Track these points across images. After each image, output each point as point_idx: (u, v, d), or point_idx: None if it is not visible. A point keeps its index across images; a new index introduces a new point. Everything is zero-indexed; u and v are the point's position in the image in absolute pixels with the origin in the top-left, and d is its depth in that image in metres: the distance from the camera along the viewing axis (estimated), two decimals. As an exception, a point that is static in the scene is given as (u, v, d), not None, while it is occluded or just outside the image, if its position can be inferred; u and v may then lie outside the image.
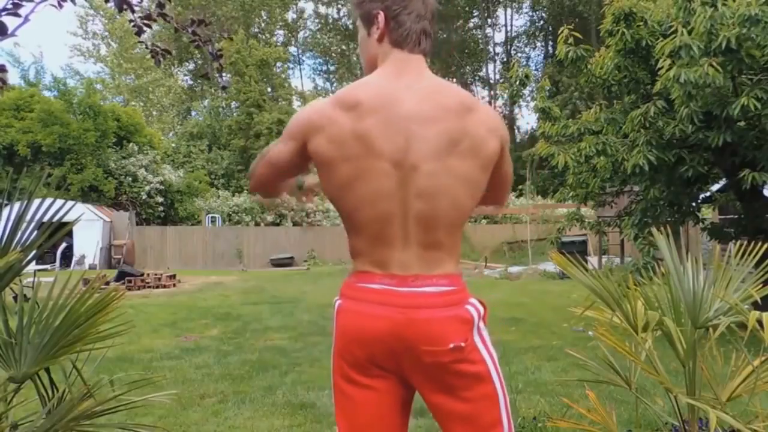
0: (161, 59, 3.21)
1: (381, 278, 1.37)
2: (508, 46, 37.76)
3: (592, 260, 13.87)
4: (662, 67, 5.45)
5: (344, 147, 1.35)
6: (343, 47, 36.93)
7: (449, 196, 1.37)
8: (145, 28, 3.10)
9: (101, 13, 32.23)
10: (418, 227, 1.36)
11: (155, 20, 3.07)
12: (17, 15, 2.54)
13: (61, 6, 2.81)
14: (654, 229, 2.35)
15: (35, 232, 1.87)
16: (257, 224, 21.55)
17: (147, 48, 3.24)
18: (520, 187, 22.96)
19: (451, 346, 1.33)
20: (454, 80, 34.90)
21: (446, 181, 1.36)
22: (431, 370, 1.36)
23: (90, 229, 17.08)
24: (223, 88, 6.42)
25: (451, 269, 1.41)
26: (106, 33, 33.48)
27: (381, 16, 1.43)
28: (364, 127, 1.34)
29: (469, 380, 1.37)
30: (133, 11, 2.98)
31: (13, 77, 23.75)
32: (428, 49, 1.46)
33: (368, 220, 1.37)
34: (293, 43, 38.90)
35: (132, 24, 3.07)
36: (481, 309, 1.42)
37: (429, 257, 1.38)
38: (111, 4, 3.04)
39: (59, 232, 1.93)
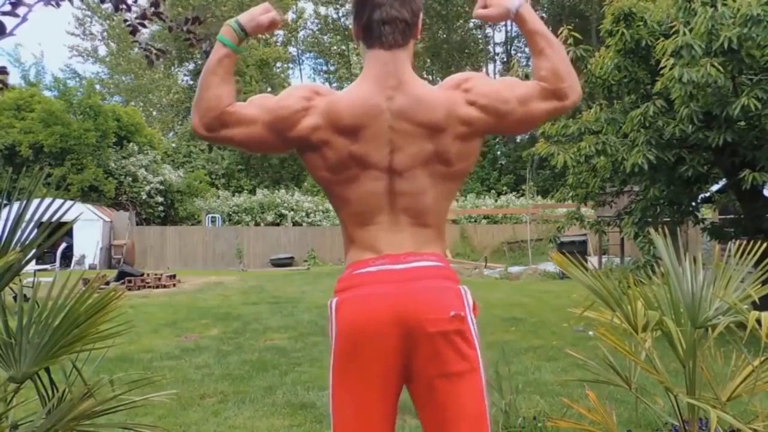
0: (155, 59, 3.20)
1: (374, 261, 1.44)
2: (508, 46, 37.69)
3: (592, 260, 13.86)
4: (665, 67, 5.45)
5: (335, 152, 1.45)
6: (343, 47, 36.88)
7: (432, 192, 1.47)
8: (140, 28, 3.09)
9: (98, 14, 32.17)
10: (406, 213, 1.47)
11: (151, 19, 3.07)
12: (15, 15, 2.54)
13: (58, 5, 2.81)
14: (651, 230, 2.35)
15: (34, 232, 1.87)
16: (257, 224, 21.53)
17: (141, 47, 3.22)
18: (522, 187, 22.93)
19: (452, 313, 1.38)
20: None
21: (428, 181, 1.46)
22: (435, 343, 1.37)
23: (90, 229, 17.06)
24: None
25: (439, 250, 1.50)
26: (105, 33, 33.44)
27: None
28: (351, 149, 1.44)
29: (464, 363, 1.39)
30: (129, 10, 2.98)
31: (14, 77, 23.76)
32: (403, 39, 1.47)
33: (359, 196, 1.46)
34: (293, 43, 38.87)
35: (127, 24, 3.06)
36: (471, 299, 1.46)
37: (418, 236, 1.47)
38: (107, 5, 3.03)
39: (58, 231, 1.92)
